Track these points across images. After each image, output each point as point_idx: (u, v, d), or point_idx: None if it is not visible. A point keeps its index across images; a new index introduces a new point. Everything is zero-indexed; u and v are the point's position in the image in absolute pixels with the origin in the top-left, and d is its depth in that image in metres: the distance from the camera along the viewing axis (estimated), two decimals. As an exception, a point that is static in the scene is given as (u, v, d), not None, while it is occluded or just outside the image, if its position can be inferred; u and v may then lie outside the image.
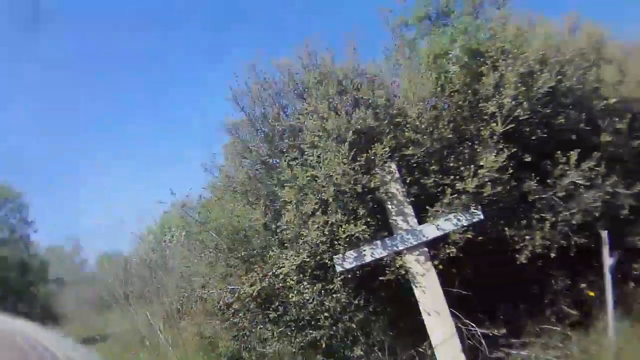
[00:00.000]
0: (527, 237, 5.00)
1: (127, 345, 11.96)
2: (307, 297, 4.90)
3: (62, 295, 26.60)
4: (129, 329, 13.94)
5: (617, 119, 5.27)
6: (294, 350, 5.20)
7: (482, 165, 4.74)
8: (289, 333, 5.26)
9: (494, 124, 4.76)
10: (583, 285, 5.40)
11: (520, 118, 4.82)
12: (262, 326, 5.40)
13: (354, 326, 5.11)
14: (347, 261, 4.82)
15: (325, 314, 4.99)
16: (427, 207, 4.85)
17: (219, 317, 6.08)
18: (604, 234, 5.17)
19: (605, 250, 5.19)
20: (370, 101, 4.92)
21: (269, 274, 4.85)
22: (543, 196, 5.02)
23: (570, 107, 5.12)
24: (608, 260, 5.20)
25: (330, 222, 4.71)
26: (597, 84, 5.33)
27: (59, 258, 26.14)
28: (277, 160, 5.33)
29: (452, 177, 4.82)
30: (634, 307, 5.42)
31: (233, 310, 5.65)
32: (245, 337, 5.65)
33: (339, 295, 4.99)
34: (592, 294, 5.33)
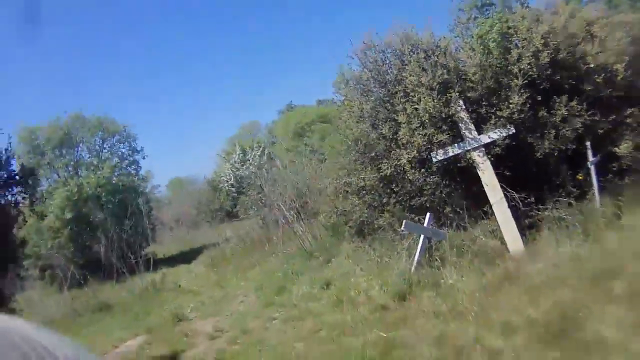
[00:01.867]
0: (540, 142, 8.71)
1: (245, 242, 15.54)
2: (417, 177, 8.84)
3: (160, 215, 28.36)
4: (241, 233, 17.43)
5: (596, 76, 8.92)
6: (406, 213, 9.08)
7: (512, 102, 8.58)
8: (404, 201, 9.17)
9: (517, 80, 8.60)
10: (579, 174, 8.97)
11: (533, 76, 8.64)
12: (386, 198, 9.33)
13: (444, 195, 8.98)
14: (439, 156, 8.74)
15: (427, 187, 8.90)
16: (482, 125, 8.71)
17: (356, 196, 9.69)
18: (588, 143, 8.76)
19: (589, 152, 8.73)
20: (445, 64, 8.83)
21: (393, 164, 8.81)
22: (550, 120, 8.74)
23: (564, 69, 8.86)
24: (591, 158, 8.75)
25: (427, 134, 8.65)
26: (582, 54, 9.01)
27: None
28: (389, 99, 9.23)
29: (494, 108, 8.67)
30: (610, 187, 8.89)
31: (365, 191, 9.64)
32: (374, 208, 9.59)
33: (435, 176, 8.90)
34: (580, 177, 8.87)
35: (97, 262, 17.73)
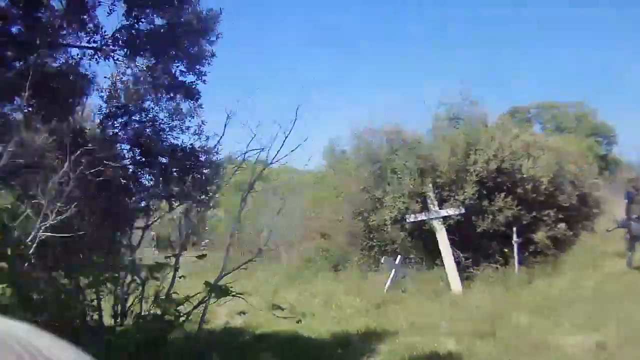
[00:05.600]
0: (481, 222, 12.51)
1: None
2: (393, 230, 12.65)
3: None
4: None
5: (526, 183, 12.79)
6: (379, 255, 12.86)
7: (466, 191, 12.45)
8: (381, 246, 13.04)
9: (472, 176, 12.49)
10: (505, 249, 12.79)
11: (483, 176, 12.56)
12: (367, 242, 13.17)
13: (410, 246, 12.81)
14: (411, 219, 12.50)
15: (399, 239, 12.71)
16: (443, 203, 12.50)
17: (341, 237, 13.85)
18: (514, 228, 12.51)
19: (514, 235, 12.49)
20: (423, 156, 12.76)
21: (378, 219, 12.64)
22: (489, 208, 12.58)
23: (505, 174, 12.75)
24: (515, 239, 12.52)
25: (405, 202, 12.40)
26: (519, 166, 12.76)
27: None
28: (380, 172, 12.97)
29: (454, 193, 12.52)
30: (527, 262, 12.66)
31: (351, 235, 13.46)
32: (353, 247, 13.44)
33: (405, 232, 12.70)
34: (506, 251, 12.66)
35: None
